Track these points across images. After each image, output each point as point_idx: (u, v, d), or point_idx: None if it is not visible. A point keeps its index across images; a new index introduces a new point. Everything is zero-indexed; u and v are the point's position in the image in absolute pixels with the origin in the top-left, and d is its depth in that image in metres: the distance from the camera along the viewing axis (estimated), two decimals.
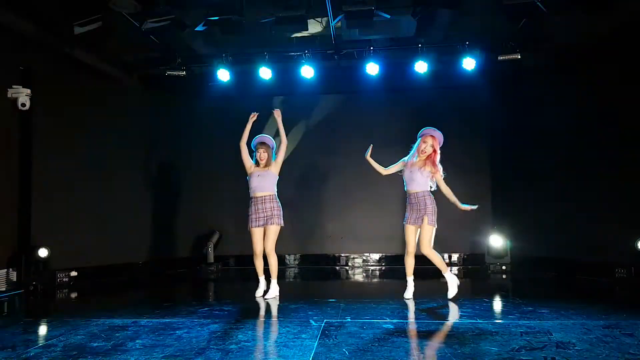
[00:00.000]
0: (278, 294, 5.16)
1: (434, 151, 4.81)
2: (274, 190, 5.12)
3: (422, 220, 4.75)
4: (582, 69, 6.47)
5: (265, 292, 5.17)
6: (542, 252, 6.94)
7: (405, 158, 4.99)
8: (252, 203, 5.11)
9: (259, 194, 5.06)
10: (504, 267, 7.02)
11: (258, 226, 5.05)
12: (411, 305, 4.60)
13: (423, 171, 4.79)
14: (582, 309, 4.27)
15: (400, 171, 5.01)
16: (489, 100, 7.80)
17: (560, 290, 5.63)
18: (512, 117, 7.49)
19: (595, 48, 6.20)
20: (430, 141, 4.80)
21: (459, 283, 4.93)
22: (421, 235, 4.76)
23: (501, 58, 6.32)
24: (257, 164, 5.17)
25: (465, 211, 4.84)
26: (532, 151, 7.13)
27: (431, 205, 4.78)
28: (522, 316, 4.04)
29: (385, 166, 5.07)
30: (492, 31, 6.16)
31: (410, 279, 4.95)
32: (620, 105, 5.97)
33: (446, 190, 4.86)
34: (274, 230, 5.04)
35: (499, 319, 4.04)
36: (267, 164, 5.12)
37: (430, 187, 4.87)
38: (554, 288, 5.85)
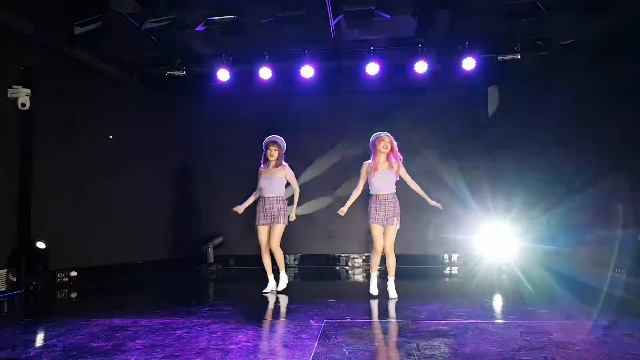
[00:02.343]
0: (286, 283, 5.55)
1: (392, 148, 4.95)
2: (281, 192, 5.39)
3: (393, 221, 4.90)
4: (581, 69, 6.47)
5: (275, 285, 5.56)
6: (542, 252, 6.94)
7: (366, 162, 5.07)
8: (260, 202, 5.39)
9: (266, 195, 5.33)
10: (503, 267, 7.02)
11: (265, 224, 5.35)
12: (411, 306, 4.60)
13: (391, 171, 4.94)
14: (581, 309, 4.27)
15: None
16: (489, 100, 7.80)
17: (560, 290, 5.63)
18: (511, 116, 7.49)
19: (595, 48, 6.20)
20: (388, 139, 4.95)
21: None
22: (389, 235, 4.93)
23: (501, 58, 6.31)
24: (267, 163, 5.36)
25: (438, 209, 5.04)
26: (532, 151, 7.13)
27: (398, 208, 4.97)
28: (522, 316, 4.04)
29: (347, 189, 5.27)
30: (492, 31, 6.16)
31: (374, 274, 5.16)
32: (620, 105, 5.97)
33: (413, 185, 5.04)
34: (278, 229, 5.31)
35: (499, 319, 4.04)
36: (277, 164, 5.33)
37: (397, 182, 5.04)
38: (554, 288, 5.84)
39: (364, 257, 7.99)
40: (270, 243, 5.34)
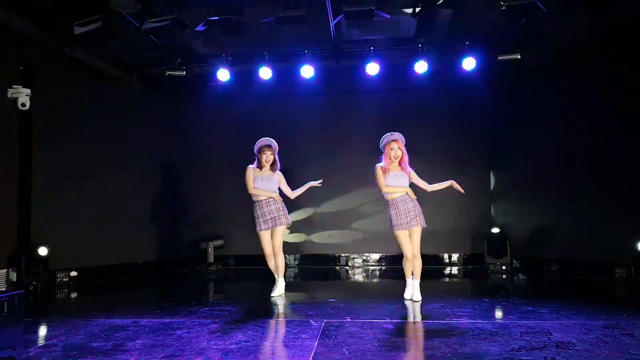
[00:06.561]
0: (284, 291, 5.28)
1: (403, 153, 4.89)
2: (277, 191, 5.25)
3: (417, 221, 4.78)
4: (582, 69, 6.47)
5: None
6: (542, 252, 6.95)
7: (378, 165, 4.94)
8: (258, 207, 5.18)
9: (263, 197, 5.15)
10: (504, 267, 7.03)
11: (267, 229, 5.16)
12: (411, 305, 4.60)
13: (404, 172, 4.88)
14: (582, 309, 4.27)
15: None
16: (489, 100, 7.80)
17: (560, 290, 5.63)
18: (512, 117, 7.49)
19: (595, 48, 6.20)
20: (397, 145, 4.86)
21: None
22: (415, 237, 4.81)
23: (501, 58, 6.31)
24: (260, 166, 5.22)
25: (459, 191, 4.95)
26: (532, 151, 7.13)
27: (419, 205, 4.87)
28: (522, 316, 4.04)
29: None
30: (492, 31, 6.16)
31: (409, 279, 4.92)
32: (620, 105, 5.97)
33: (424, 185, 4.97)
34: (282, 230, 5.19)
35: (499, 319, 4.04)
36: (272, 168, 5.24)
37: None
38: (554, 288, 5.85)
39: (364, 257, 7.98)
40: (274, 246, 5.18)
